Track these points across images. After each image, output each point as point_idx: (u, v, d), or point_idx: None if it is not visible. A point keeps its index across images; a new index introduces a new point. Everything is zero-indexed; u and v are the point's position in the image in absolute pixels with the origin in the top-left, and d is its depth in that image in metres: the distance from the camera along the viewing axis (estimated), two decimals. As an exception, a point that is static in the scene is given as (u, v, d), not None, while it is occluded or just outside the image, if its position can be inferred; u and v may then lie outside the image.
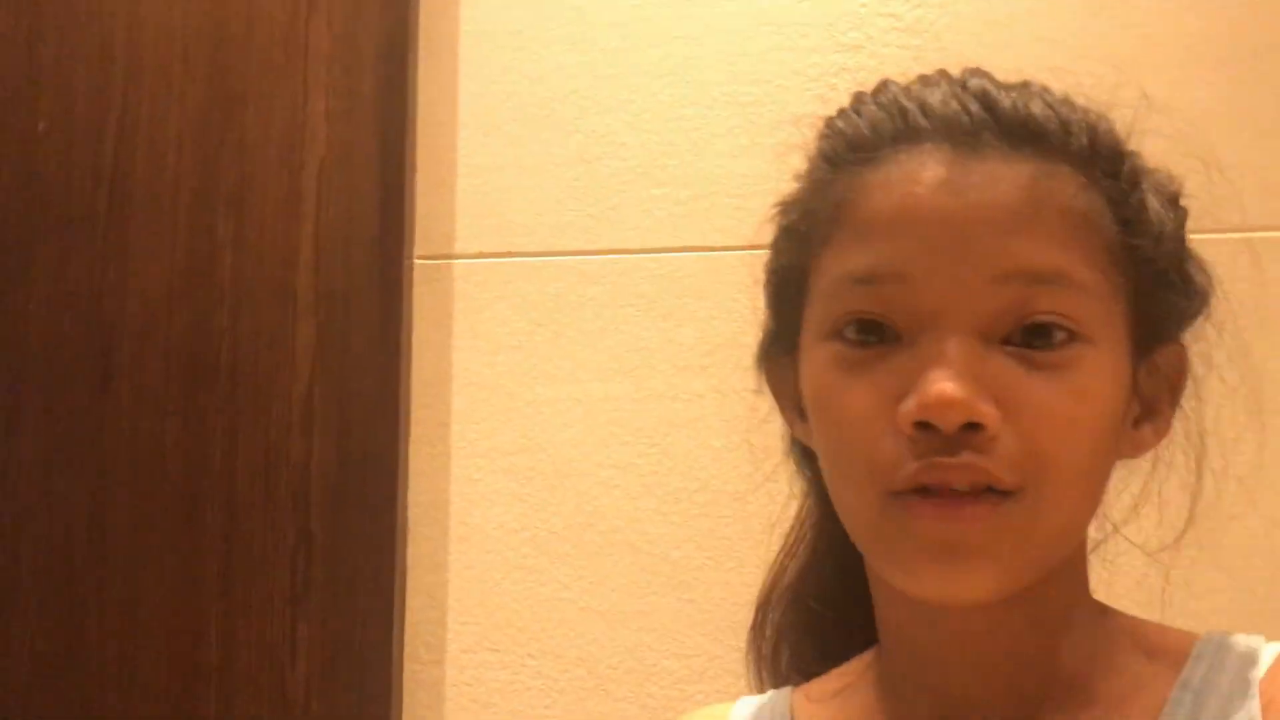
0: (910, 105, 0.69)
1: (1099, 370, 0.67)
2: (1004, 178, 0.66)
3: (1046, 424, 0.65)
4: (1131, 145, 0.73)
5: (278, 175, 1.45)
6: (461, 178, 1.45)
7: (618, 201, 1.41)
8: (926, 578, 0.67)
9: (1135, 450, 0.73)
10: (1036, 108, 0.68)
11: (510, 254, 1.43)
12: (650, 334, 1.39)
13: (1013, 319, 0.66)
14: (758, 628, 0.88)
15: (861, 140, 0.70)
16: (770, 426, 1.29)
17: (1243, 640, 0.71)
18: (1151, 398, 0.72)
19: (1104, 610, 0.75)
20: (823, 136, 0.75)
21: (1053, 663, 0.71)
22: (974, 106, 0.68)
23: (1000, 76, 0.72)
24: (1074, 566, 0.73)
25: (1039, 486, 0.65)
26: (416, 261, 1.45)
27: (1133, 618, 0.75)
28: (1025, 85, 0.71)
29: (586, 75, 1.43)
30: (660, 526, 1.37)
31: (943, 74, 0.73)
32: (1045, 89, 0.72)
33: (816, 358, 0.70)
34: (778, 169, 1.35)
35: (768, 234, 1.35)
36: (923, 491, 0.65)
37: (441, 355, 1.44)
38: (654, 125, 1.41)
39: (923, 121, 0.68)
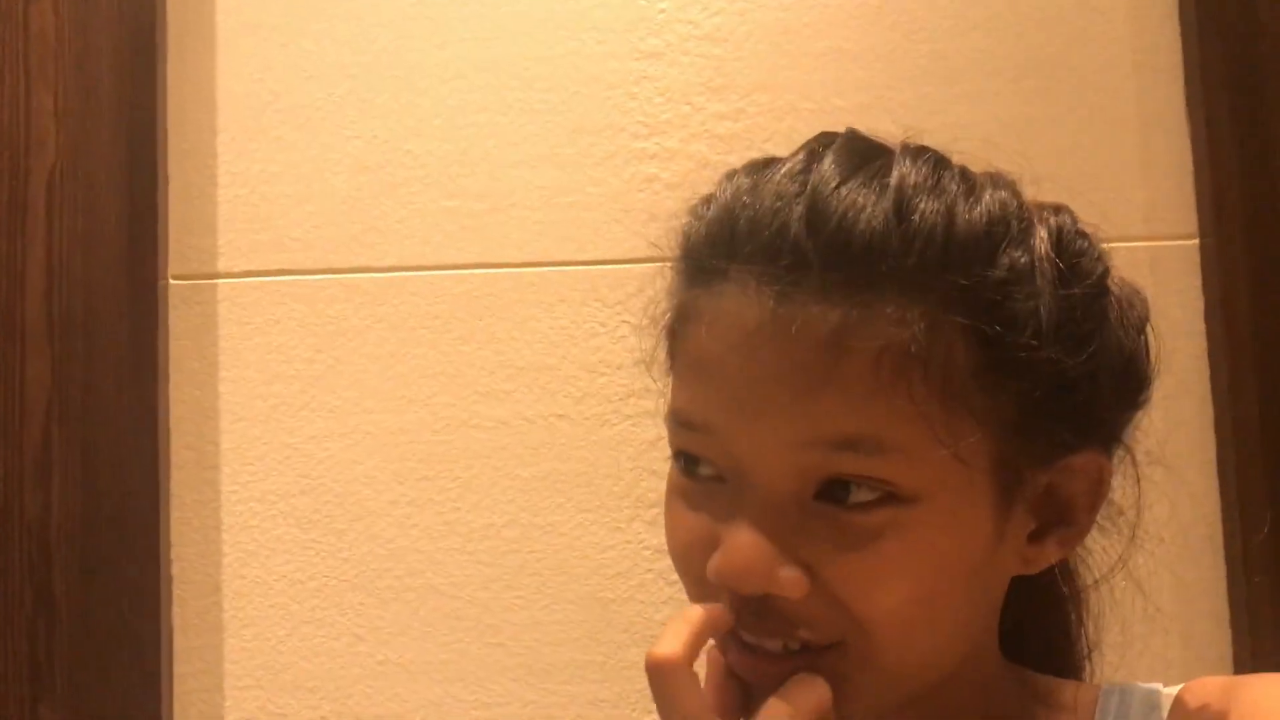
0: (741, 221, 0.64)
1: (925, 529, 0.61)
2: (810, 329, 0.60)
3: (859, 591, 0.61)
4: (1051, 210, 0.67)
5: (-2, 184, 1.24)
6: (222, 187, 1.28)
7: (404, 214, 1.29)
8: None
9: (1033, 566, 0.68)
10: (869, 226, 0.61)
11: (282, 272, 1.28)
12: (445, 358, 1.28)
13: (818, 480, 0.62)
14: None
15: (697, 256, 0.66)
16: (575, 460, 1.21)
17: (1141, 687, 0.72)
18: (1059, 508, 0.67)
19: (1014, 674, 0.74)
20: (681, 232, 0.69)
21: None
22: (797, 229, 0.62)
23: (887, 132, 0.66)
24: (975, 660, 0.70)
25: (862, 638, 0.62)
26: (171, 282, 1.27)
27: (1036, 675, 0.75)
28: (883, 172, 0.63)
29: (365, 75, 1.30)
30: (465, 567, 1.27)
31: (794, 164, 0.65)
32: (919, 166, 0.64)
33: (668, 474, 0.68)
34: (576, 181, 1.29)
35: (569, 250, 1.28)
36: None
37: (205, 388, 1.27)
38: (442, 132, 1.30)
39: (747, 246, 0.63)
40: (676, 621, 0.63)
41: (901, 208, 0.62)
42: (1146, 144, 1.32)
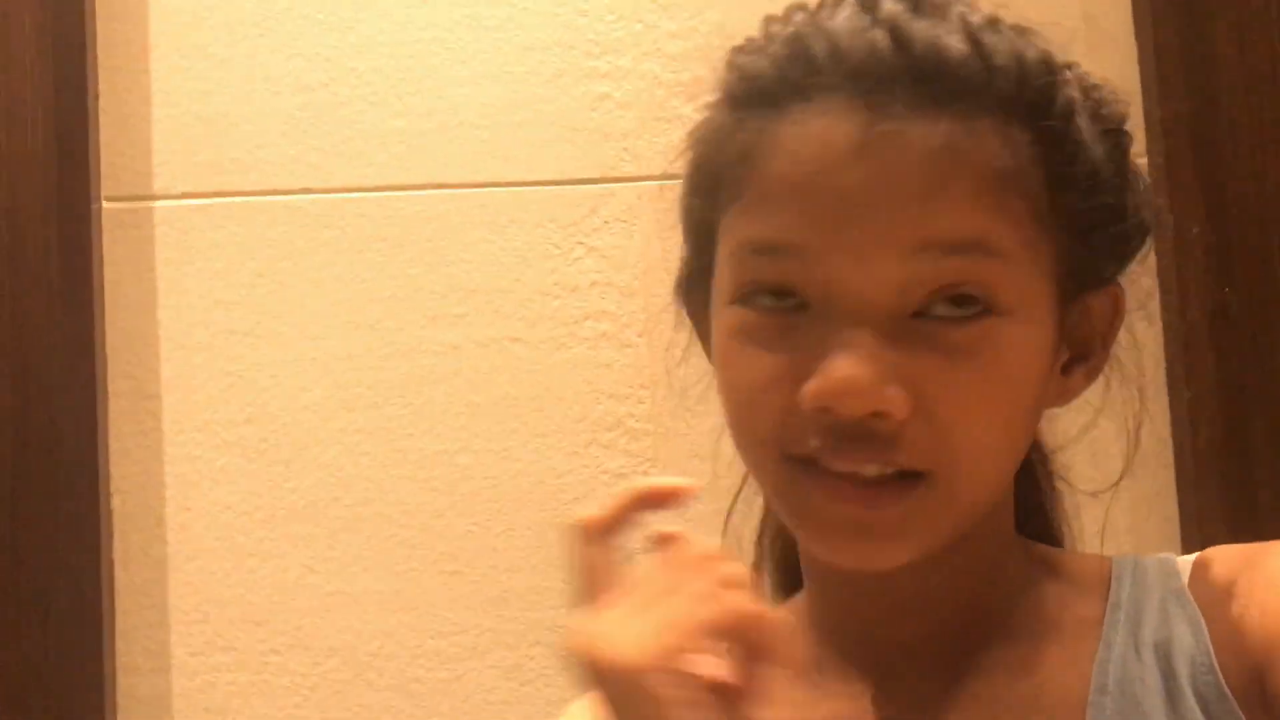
0: (817, 46, 0.64)
1: (1016, 344, 0.64)
2: (916, 141, 0.62)
3: (959, 411, 0.63)
4: (1067, 65, 0.69)
5: (-83, 101, 1.18)
6: (157, 105, 1.23)
7: (349, 133, 1.25)
8: (839, 552, 0.65)
9: (1064, 398, 0.71)
10: (955, 47, 0.63)
11: (222, 194, 1.24)
12: (394, 282, 1.25)
13: (925, 292, 0.62)
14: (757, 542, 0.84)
15: (766, 85, 0.65)
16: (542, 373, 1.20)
17: (1153, 558, 0.73)
18: (1083, 341, 0.70)
19: (1023, 543, 0.75)
20: (727, 71, 0.69)
21: (981, 603, 0.71)
22: (885, 49, 0.63)
23: None
24: (999, 510, 0.71)
25: (952, 467, 0.63)
26: (105, 205, 1.22)
27: (1046, 547, 0.76)
28: (944, 11, 0.66)
29: (306, -11, 1.25)
30: (417, 494, 1.24)
31: (852, 1, 0.66)
32: (970, 10, 0.67)
33: (724, 321, 0.67)
34: (526, 99, 1.26)
35: (520, 171, 1.25)
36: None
37: (143, 316, 1.23)
38: (388, 49, 1.25)
39: (830, 68, 0.63)
40: (619, 490, 0.61)
41: (975, 42, 0.64)
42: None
